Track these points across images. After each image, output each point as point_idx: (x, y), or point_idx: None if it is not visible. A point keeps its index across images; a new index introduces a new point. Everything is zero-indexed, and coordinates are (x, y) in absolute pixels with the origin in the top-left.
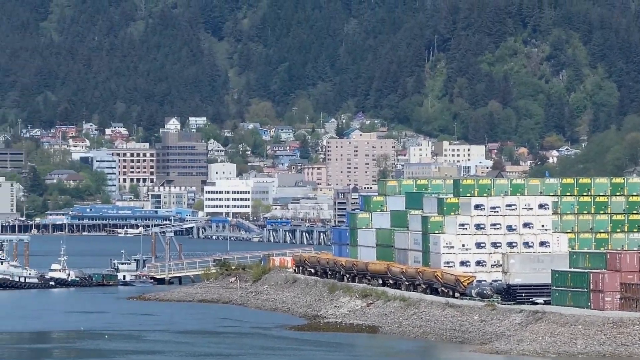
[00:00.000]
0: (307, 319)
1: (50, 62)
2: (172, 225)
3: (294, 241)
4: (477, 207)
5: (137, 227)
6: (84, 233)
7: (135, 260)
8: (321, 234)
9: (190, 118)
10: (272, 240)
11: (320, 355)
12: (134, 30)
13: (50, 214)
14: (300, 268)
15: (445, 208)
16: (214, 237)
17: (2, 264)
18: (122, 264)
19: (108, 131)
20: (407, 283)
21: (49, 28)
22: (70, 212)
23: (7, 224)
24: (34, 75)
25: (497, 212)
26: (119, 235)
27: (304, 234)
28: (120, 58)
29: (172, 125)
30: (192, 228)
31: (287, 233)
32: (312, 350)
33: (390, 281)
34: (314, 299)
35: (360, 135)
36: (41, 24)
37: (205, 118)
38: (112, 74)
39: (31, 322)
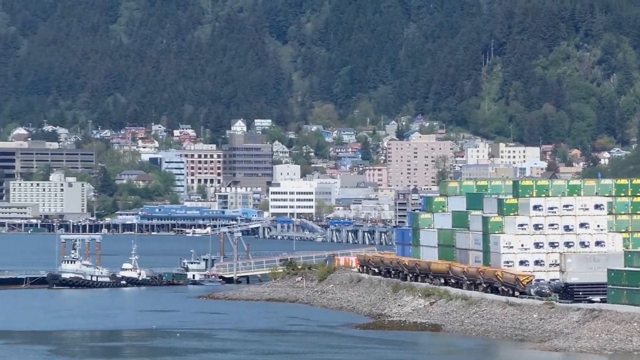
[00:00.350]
0: (372, 317)
1: (120, 64)
2: (239, 226)
3: (356, 241)
4: (535, 207)
5: (205, 227)
6: (152, 233)
7: (204, 259)
8: (382, 234)
9: (255, 120)
10: (335, 241)
11: (386, 353)
12: (201, 33)
13: (120, 214)
14: (365, 267)
15: (504, 209)
16: (278, 237)
17: (74, 263)
18: (192, 263)
19: (176, 132)
20: (468, 282)
21: (118, 31)
22: (139, 212)
23: (78, 223)
24: (104, 77)
25: (555, 212)
26: (187, 235)
27: (365, 234)
28: (188, 61)
29: (238, 127)
30: (257, 228)
31: (349, 233)
32: (377, 348)
33: (452, 280)
34: (378, 298)
35: (420, 137)
36: (111, 27)
37: (270, 120)
38: (180, 76)
39: (103, 321)
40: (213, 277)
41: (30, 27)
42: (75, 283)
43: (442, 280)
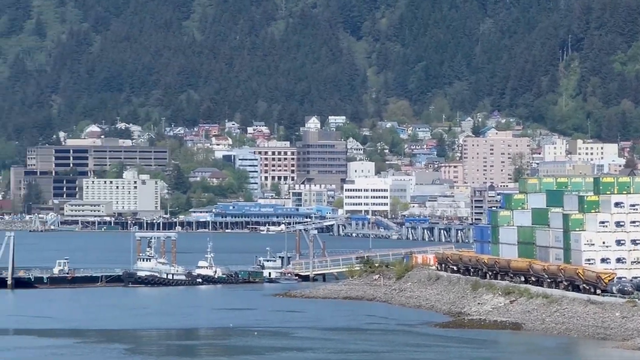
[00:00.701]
0: (451, 316)
1: (193, 61)
2: (313, 223)
3: (432, 239)
4: (617, 204)
5: (279, 224)
6: (226, 230)
7: (280, 257)
8: (459, 231)
9: (329, 117)
10: (411, 238)
11: (466, 352)
12: (275, 29)
13: (194, 212)
14: (443, 265)
15: (585, 206)
16: (353, 234)
17: (150, 261)
18: (268, 261)
19: (250, 129)
20: (549, 280)
21: (191, 27)
22: (213, 210)
23: (151, 221)
24: (177, 74)
25: (637, 209)
26: (261, 232)
27: (441, 231)
28: (262, 57)
29: (312, 124)
30: (332, 225)
31: (425, 231)
32: (457, 347)
33: (532, 278)
34: (457, 296)
35: (496, 133)
36: (184, 23)
37: (344, 117)
38: (253, 73)
39: (179, 319)
40: (289, 274)
41: (103, 23)
42: (151, 281)
43: (522, 278)
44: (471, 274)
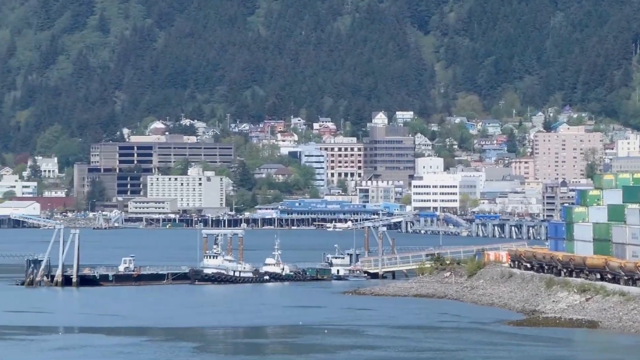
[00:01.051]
0: (525, 314)
1: (258, 56)
2: (380, 220)
3: (502, 235)
4: None
5: (346, 221)
6: (292, 227)
7: (348, 254)
8: (530, 228)
9: (397, 112)
10: (481, 235)
11: (541, 351)
12: (341, 24)
13: (260, 208)
14: (516, 263)
15: None
16: (422, 231)
17: (216, 258)
18: (336, 258)
19: (316, 125)
20: (625, 277)
21: (256, 22)
22: (279, 207)
23: (216, 218)
24: (242, 70)
25: None
26: (328, 229)
27: (512, 228)
28: (327, 52)
29: (379, 119)
30: (400, 222)
31: (495, 227)
32: (532, 345)
33: (609, 276)
34: (530, 293)
35: (568, 128)
36: (248, 19)
37: (412, 112)
38: (319, 68)
39: (247, 317)
40: (358, 272)
41: (167, 19)
42: (218, 278)
43: (598, 276)
44: (545, 271)
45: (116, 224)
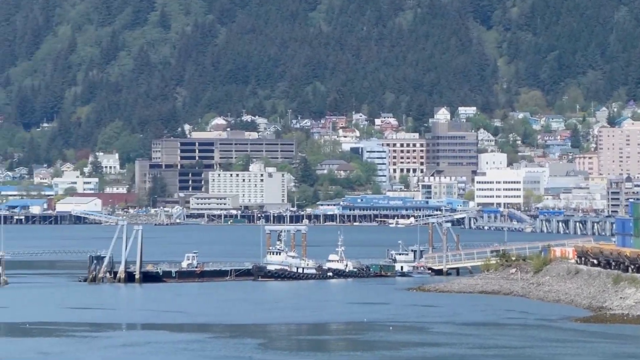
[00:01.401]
0: (592, 310)
1: (319, 52)
2: (443, 216)
3: (567, 231)
4: None
5: (408, 217)
6: (354, 223)
7: (412, 250)
8: (595, 224)
9: (459, 108)
10: (545, 231)
11: (609, 348)
12: (403, 20)
13: (321, 204)
14: (582, 259)
15: None
16: (485, 227)
17: (280, 254)
18: (400, 254)
19: (377, 121)
20: None
21: (317, 18)
22: (341, 203)
23: (278, 214)
24: (303, 66)
25: None
26: (390, 225)
27: (577, 224)
28: (389, 48)
29: (442, 115)
30: (463, 218)
31: (560, 223)
32: (599, 342)
33: None
34: (597, 290)
35: (632, 123)
36: (310, 14)
37: (474, 108)
38: (380, 64)
39: (311, 314)
40: (422, 268)
41: (228, 15)
42: (281, 275)
43: None
44: (612, 267)
45: (178, 220)
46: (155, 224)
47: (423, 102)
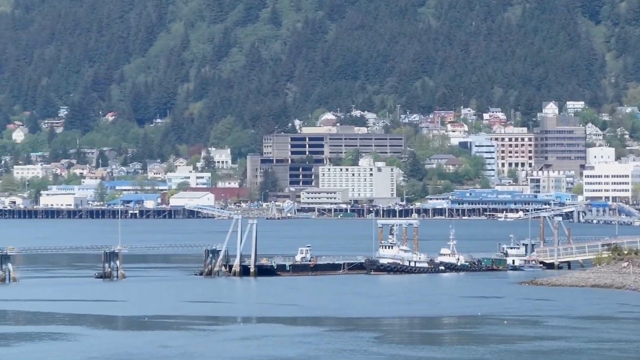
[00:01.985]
0: None
1: (428, 47)
2: (552, 209)
3: None
4: None
5: (517, 211)
6: (463, 217)
7: (524, 244)
8: None
9: (567, 102)
10: None
11: None
12: (511, 15)
13: (430, 199)
14: None
15: None
16: (594, 221)
17: (392, 248)
18: (511, 248)
19: (486, 116)
20: None
21: (426, 14)
22: (450, 197)
23: (387, 208)
24: (412, 61)
25: None
26: (499, 219)
27: None
28: (498, 43)
29: (550, 109)
30: (572, 212)
31: None
32: None
33: None
34: None
35: None
36: (419, 10)
37: (582, 102)
38: (489, 59)
39: (424, 307)
40: (533, 262)
41: (338, 11)
42: (393, 268)
43: None
44: None
45: (289, 214)
46: (267, 218)
47: (531, 96)
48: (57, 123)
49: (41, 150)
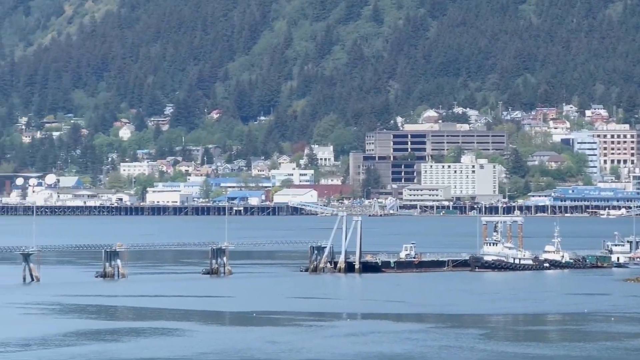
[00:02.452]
0: None
1: (529, 44)
2: None
3: None
4: None
5: (619, 208)
6: (565, 214)
7: (628, 242)
8: None
9: None
10: None
11: None
12: (612, 11)
13: (533, 196)
14: None
15: None
16: None
17: (496, 245)
18: (616, 245)
19: (588, 113)
20: None
21: (527, 11)
22: (552, 194)
23: (489, 205)
24: (513, 58)
25: None
26: (601, 216)
27: None
28: (599, 40)
29: None
30: None
31: None
32: None
33: None
34: None
35: None
36: (520, 7)
37: None
38: (590, 55)
39: (530, 304)
40: (638, 259)
41: (440, 9)
42: (498, 266)
43: None
44: None
45: (391, 211)
46: (369, 215)
47: (633, 93)
48: (162, 121)
49: (147, 148)
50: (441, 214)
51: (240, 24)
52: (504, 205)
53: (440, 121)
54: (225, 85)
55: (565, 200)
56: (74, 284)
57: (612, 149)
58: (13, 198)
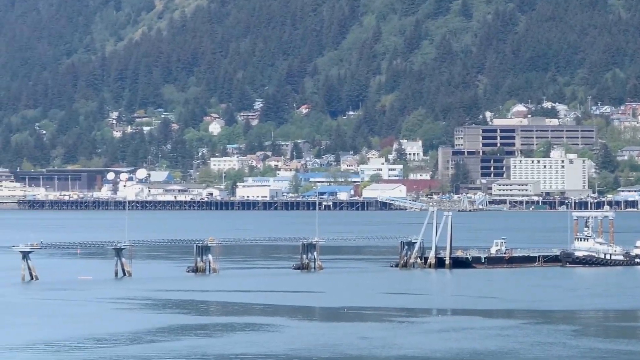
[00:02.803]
0: None
1: (619, 39)
2: None
3: None
4: None
5: None
6: None
7: None
8: None
9: None
10: None
11: None
12: None
13: (622, 191)
14: None
15: None
16: None
17: (587, 240)
18: None
19: None
20: None
21: (617, 5)
22: None
23: (579, 200)
24: (602, 53)
25: None
26: None
27: None
28: None
29: None
30: None
31: None
32: None
33: None
34: None
35: None
36: (609, 2)
37: None
38: None
39: (623, 300)
40: None
41: (529, 3)
42: (589, 261)
43: None
44: None
45: (480, 206)
46: (459, 210)
47: None
48: (252, 115)
49: (237, 143)
50: (530, 209)
51: (329, 19)
52: (594, 201)
53: (529, 116)
54: (314, 80)
55: None
56: (165, 279)
57: None
58: (104, 193)
